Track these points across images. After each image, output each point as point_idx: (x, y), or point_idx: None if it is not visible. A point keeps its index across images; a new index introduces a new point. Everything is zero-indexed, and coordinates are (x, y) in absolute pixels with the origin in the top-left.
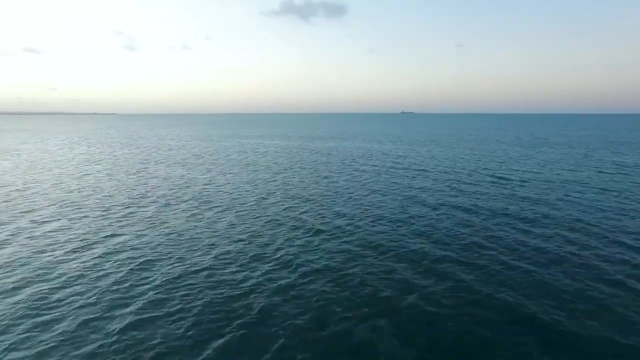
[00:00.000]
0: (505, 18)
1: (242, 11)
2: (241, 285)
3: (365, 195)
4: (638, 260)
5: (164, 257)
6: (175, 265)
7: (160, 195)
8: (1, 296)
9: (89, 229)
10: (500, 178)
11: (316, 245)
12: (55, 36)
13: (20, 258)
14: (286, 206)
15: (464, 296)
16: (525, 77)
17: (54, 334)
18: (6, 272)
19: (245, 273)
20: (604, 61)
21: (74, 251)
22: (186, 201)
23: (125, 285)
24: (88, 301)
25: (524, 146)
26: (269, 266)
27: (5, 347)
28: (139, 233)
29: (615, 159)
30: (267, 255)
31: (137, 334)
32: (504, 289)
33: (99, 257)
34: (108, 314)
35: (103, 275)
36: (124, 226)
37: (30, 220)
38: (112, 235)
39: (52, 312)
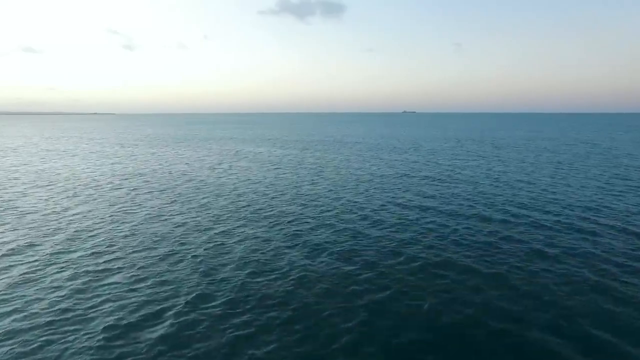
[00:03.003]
0: (501, 17)
1: (241, 10)
2: None
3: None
4: None
5: None
6: None
7: None
8: None
9: None
10: None
11: None
12: (53, 36)
13: None
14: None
15: None
16: (525, 76)
17: None
18: None
19: None
20: (605, 60)
21: None
22: None
23: None
24: None
25: (592, 158)
26: None
27: None
28: None
29: None
30: None
31: None
32: None
33: None
34: None
35: None
36: None
37: None
38: None
39: None
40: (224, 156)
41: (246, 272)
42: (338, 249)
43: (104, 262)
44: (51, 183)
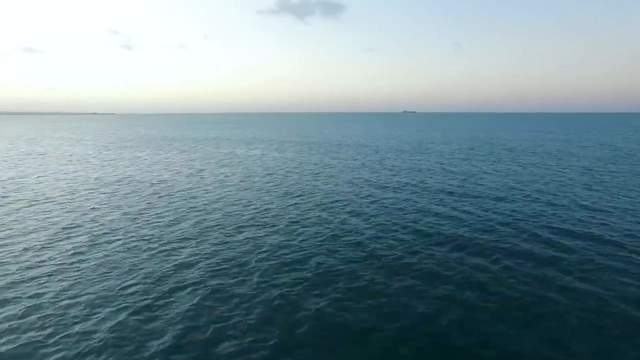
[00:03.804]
0: (501, 17)
1: (241, 10)
2: None
3: None
4: None
5: None
6: None
7: None
8: None
9: None
10: None
11: None
12: (53, 36)
13: None
14: None
15: None
16: (525, 76)
17: None
18: None
19: None
20: (605, 60)
21: None
22: None
23: None
24: None
25: (620, 163)
26: None
27: None
28: None
29: None
30: None
31: None
32: None
33: None
34: None
35: None
36: None
37: None
38: None
39: None
40: (213, 160)
41: (202, 343)
42: (330, 302)
43: (14, 312)
44: (5, 194)
